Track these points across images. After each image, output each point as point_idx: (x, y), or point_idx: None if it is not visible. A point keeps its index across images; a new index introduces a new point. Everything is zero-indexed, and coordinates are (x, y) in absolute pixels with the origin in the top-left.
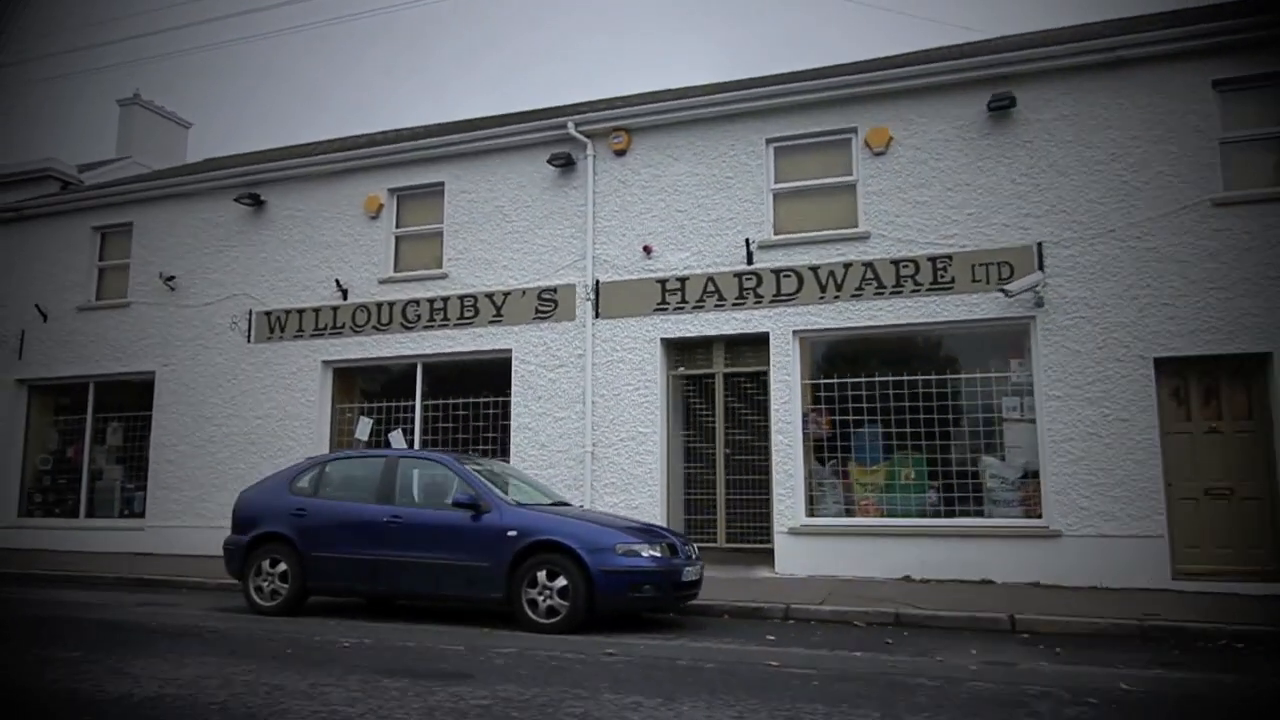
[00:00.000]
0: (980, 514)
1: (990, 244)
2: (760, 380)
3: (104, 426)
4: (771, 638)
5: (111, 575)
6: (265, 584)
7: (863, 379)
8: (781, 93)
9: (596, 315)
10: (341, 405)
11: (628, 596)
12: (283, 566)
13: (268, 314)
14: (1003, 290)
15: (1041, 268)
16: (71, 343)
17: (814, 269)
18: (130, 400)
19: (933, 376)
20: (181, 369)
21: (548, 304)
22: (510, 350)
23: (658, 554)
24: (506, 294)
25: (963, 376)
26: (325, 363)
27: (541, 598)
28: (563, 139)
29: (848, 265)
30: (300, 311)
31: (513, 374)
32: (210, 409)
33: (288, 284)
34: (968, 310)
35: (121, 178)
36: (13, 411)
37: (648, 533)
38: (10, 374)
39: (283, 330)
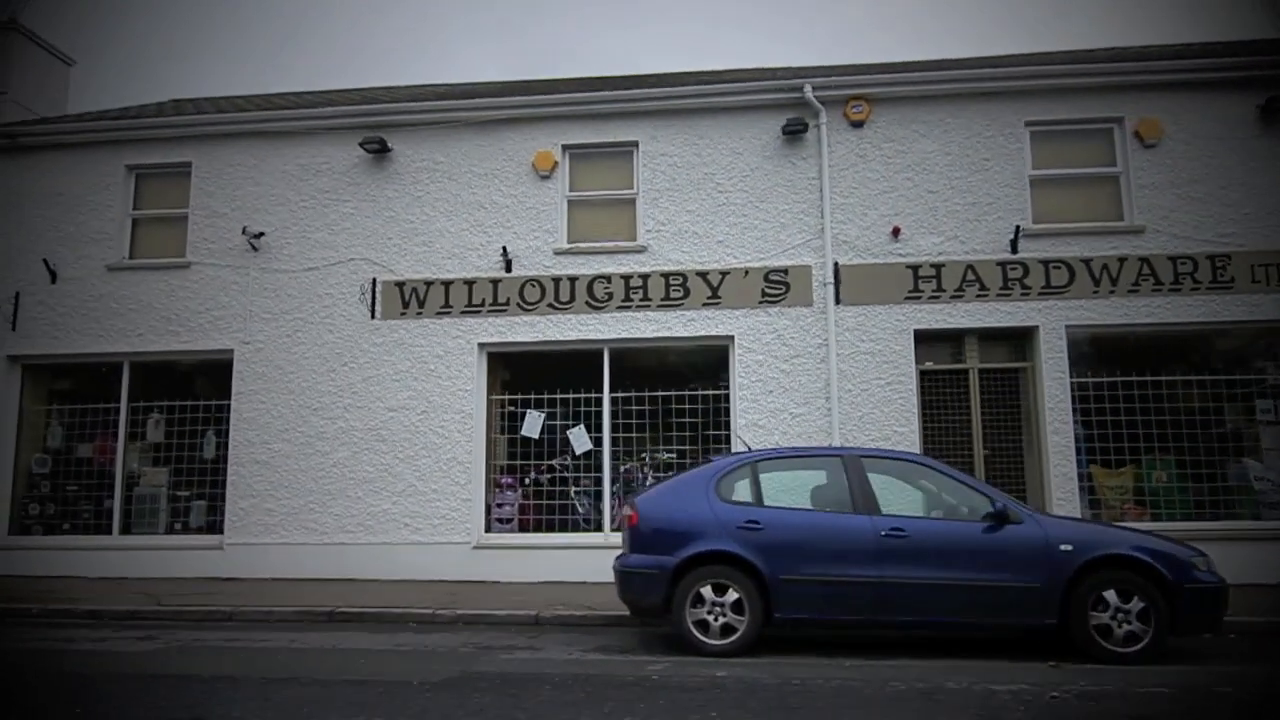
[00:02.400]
0: (1255, 516)
1: (1269, 244)
2: (1015, 377)
3: (142, 419)
4: None
5: (256, 608)
6: (711, 617)
7: (1133, 377)
8: (1041, 74)
9: (838, 301)
10: (497, 396)
11: (1210, 617)
12: (733, 594)
13: (399, 285)
14: None
15: None
16: (97, 311)
17: (1085, 261)
18: (183, 385)
19: (1193, 377)
20: (273, 348)
21: (777, 286)
22: (731, 337)
23: (1214, 569)
24: (724, 273)
25: (1223, 378)
26: (482, 345)
27: (1115, 622)
28: (794, 103)
29: (1122, 259)
30: (447, 284)
31: (735, 364)
32: (319, 398)
33: (426, 250)
34: (1249, 310)
35: (164, 103)
36: (3, 398)
37: (1179, 545)
38: (0, 348)
39: (421, 305)
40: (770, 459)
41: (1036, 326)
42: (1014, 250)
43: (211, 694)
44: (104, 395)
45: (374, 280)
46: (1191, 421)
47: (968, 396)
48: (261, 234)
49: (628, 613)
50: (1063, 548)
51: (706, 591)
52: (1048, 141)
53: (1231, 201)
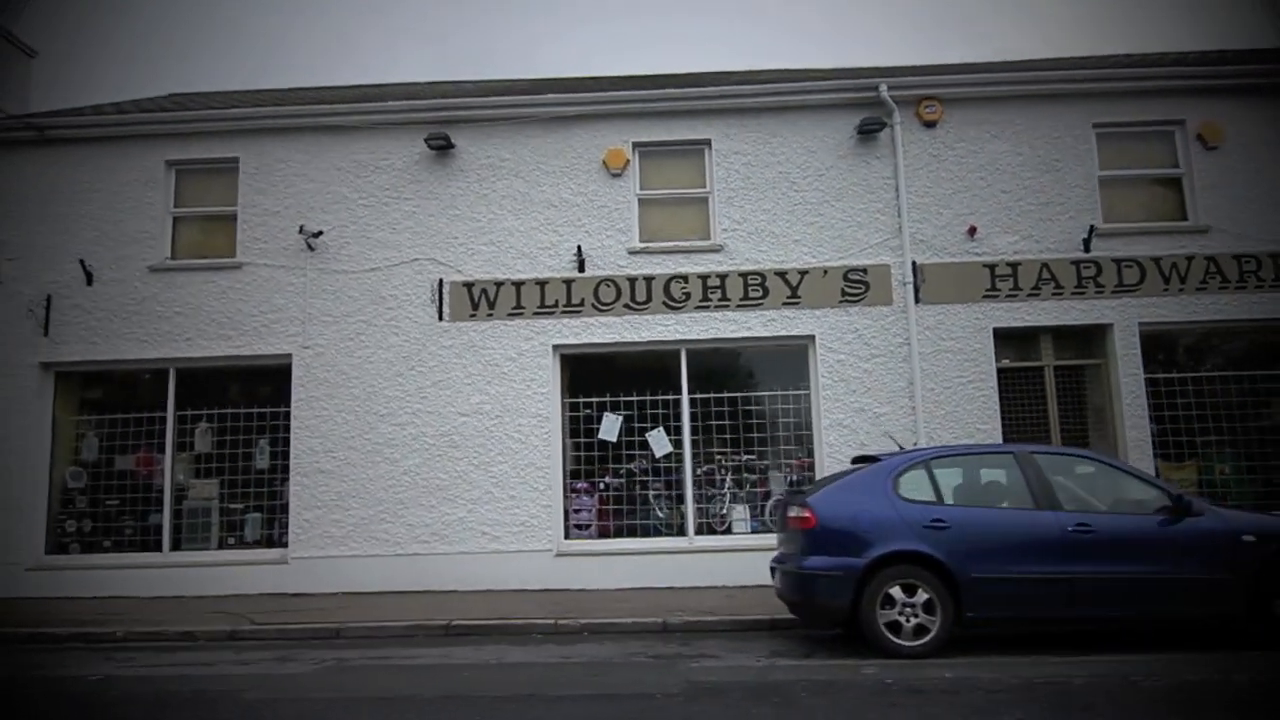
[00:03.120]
0: None
1: None
2: (1088, 373)
3: (190, 428)
4: None
5: (363, 624)
6: (903, 618)
7: (1203, 373)
8: (1107, 77)
9: (918, 300)
10: (570, 399)
11: None
12: (923, 595)
13: (468, 285)
14: None
15: None
16: (140, 314)
17: (1155, 260)
18: (233, 392)
19: (1258, 372)
20: (335, 352)
21: (856, 286)
22: (812, 336)
23: None
24: (804, 273)
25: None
26: (556, 347)
27: None
28: (869, 103)
29: (1189, 258)
30: (518, 284)
31: (816, 363)
32: (386, 404)
33: (495, 249)
34: None
35: (206, 94)
36: (36, 408)
37: None
38: (30, 356)
39: (492, 306)
40: (943, 456)
41: (1111, 324)
42: (1087, 249)
43: (477, 714)
44: (144, 404)
45: (440, 281)
46: (1255, 415)
47: (1044, 393)
48: (320, 233)
49: (755, 616)
50: (1245, 538)
51: (896, 592)
52: (1114, 143)
53: None
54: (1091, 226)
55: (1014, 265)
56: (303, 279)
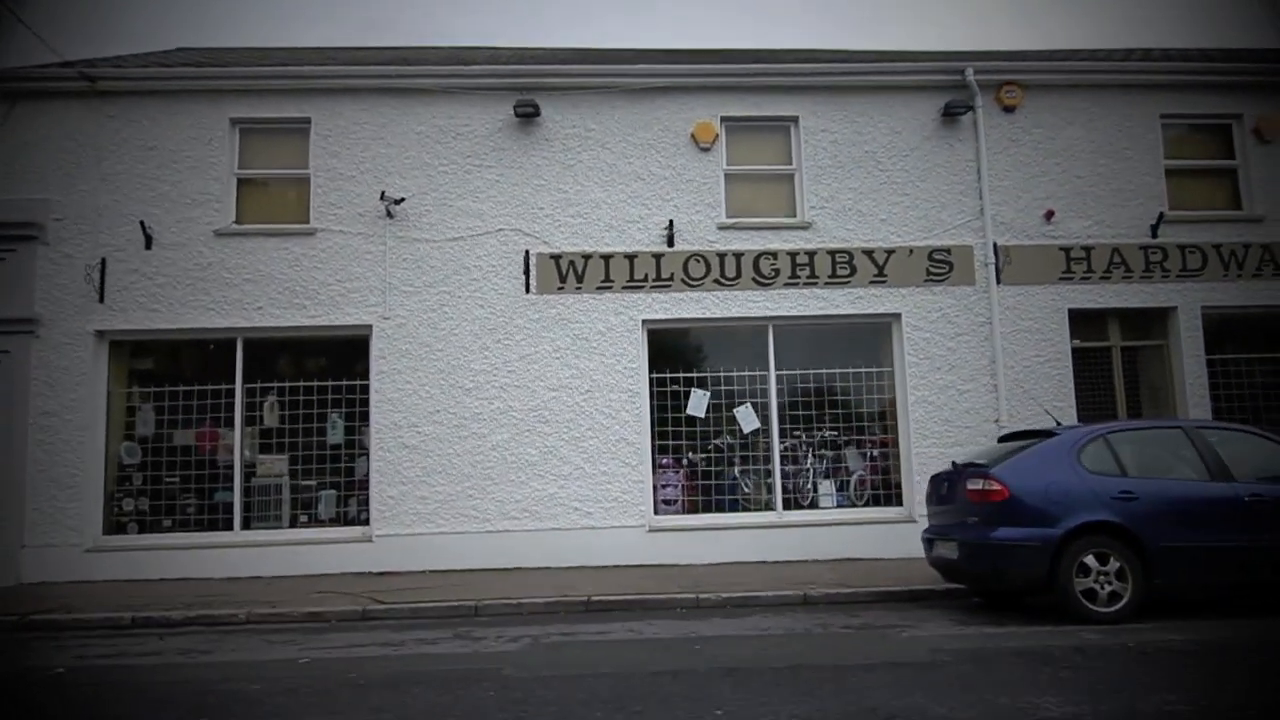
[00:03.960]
0: None
1: None
2: (1148, 354)
3: (259, 401)
4: None
5: (501, 601)
6: (1098, 585)
7: (1255, 356)
8: (1174, 70)
9: (999, 280)
10: (655, 374)
11: None
12: (1115, 563)
13: (555, 258)
14: None
15: None
16: (205, 281)
17: (1216, 247)
18: (302, 364)
19: None
20: (417, 324)
21: (941, 266)
22: (898, 314)
23: None
24: (890, 251)
25: None
26: (645, 321)
27: None
28: (954, 85)
29: (1246, 246)
30: (607, 257)
31: (902, 341)
32: (472, 377)
33: (582, 221)
34: None
35: (270, 50)
36: (90, 379)
37: None
38: (83, 323)
39: (580, 279)
40: (1120, 431)
41: (1175, 307)
42: (1154, 235)
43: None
44: (207, 375)
45: (527, 252)
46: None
47: (1111, 373)
48: (402, 200)
49: (888, 588)
50: None
51: (1090, 561)
52: (1178, 133)
53: None
54: (1161, 213)
55: (1087, 249)
56: (381, 247)
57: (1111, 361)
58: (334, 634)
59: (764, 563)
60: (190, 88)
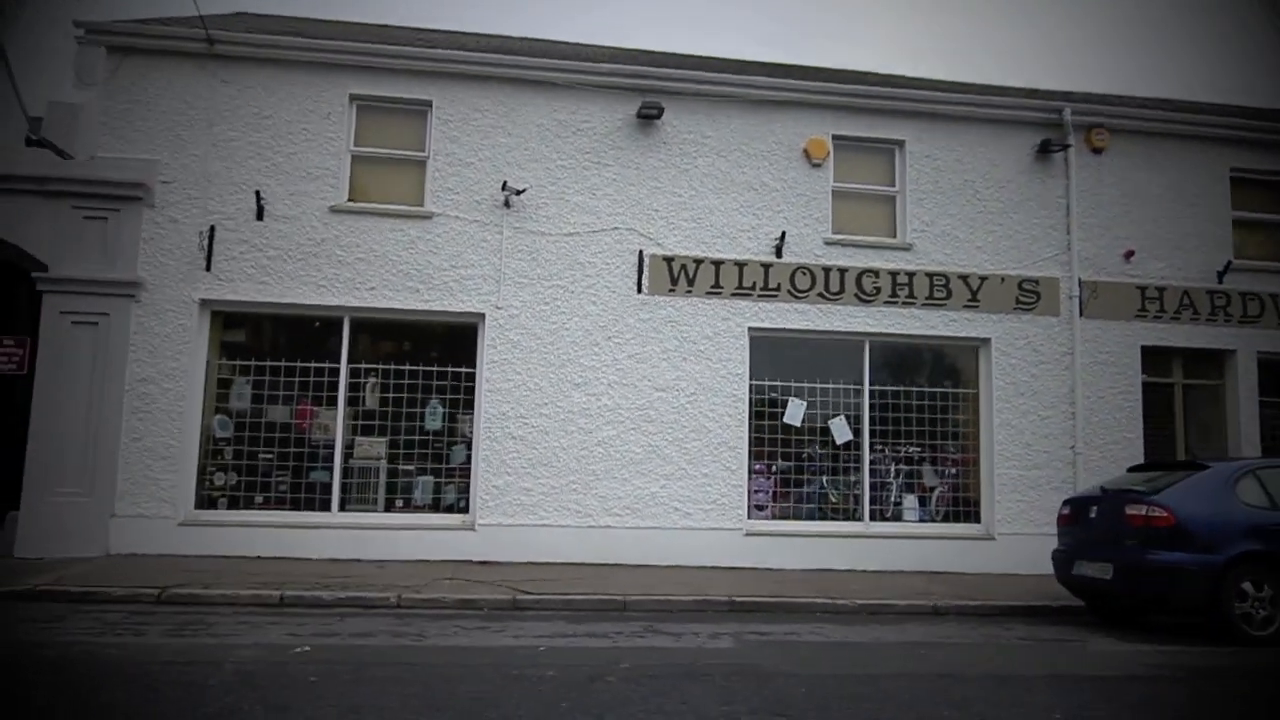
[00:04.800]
0: None
1: None
2: (1205, 392)
3: (363, 382)
4: None
5: (649, 597)
6: (1254, 610)
7: None
8: (1246, 126)
9: (1081, 313)
10: (754, 381)
11: None
12: (1268, 590)
13: (668, 260)
14: None
15: None
16: (318, 257)
17: (1273, 296)
18: (405, 347)
19: None
20: (529, 315)
21: (1029, 295)
22: (987, 339)
23: None
24: (983, 278)
25: None
26: (751, 329)
27: None
28: (1050, 124)
29: None
30: (718, 263)
31: (991, 365)
32: (582, 372)
33: (695, 226)
34: None
35: (390, 28)
36: (192, 348)
37: None
38: (190, 290)
39: (690, 283)
40: (1267, 468)
41: (1235, 350)
42: (1220, 281)
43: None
44: (309, 352)
45: (640, 252)
46: None
47: (1172, 408)
48: (523, 191)
49: (1008, 603)
50: None
51: (1247, 587)
52: (1245, 187)
53: None
54: (1229, 261)
55: (1160, 289)
56: (497, 236)
57: (1174, 398)
58: (512, 623)
59: (853, 571)
60: (311, 60)
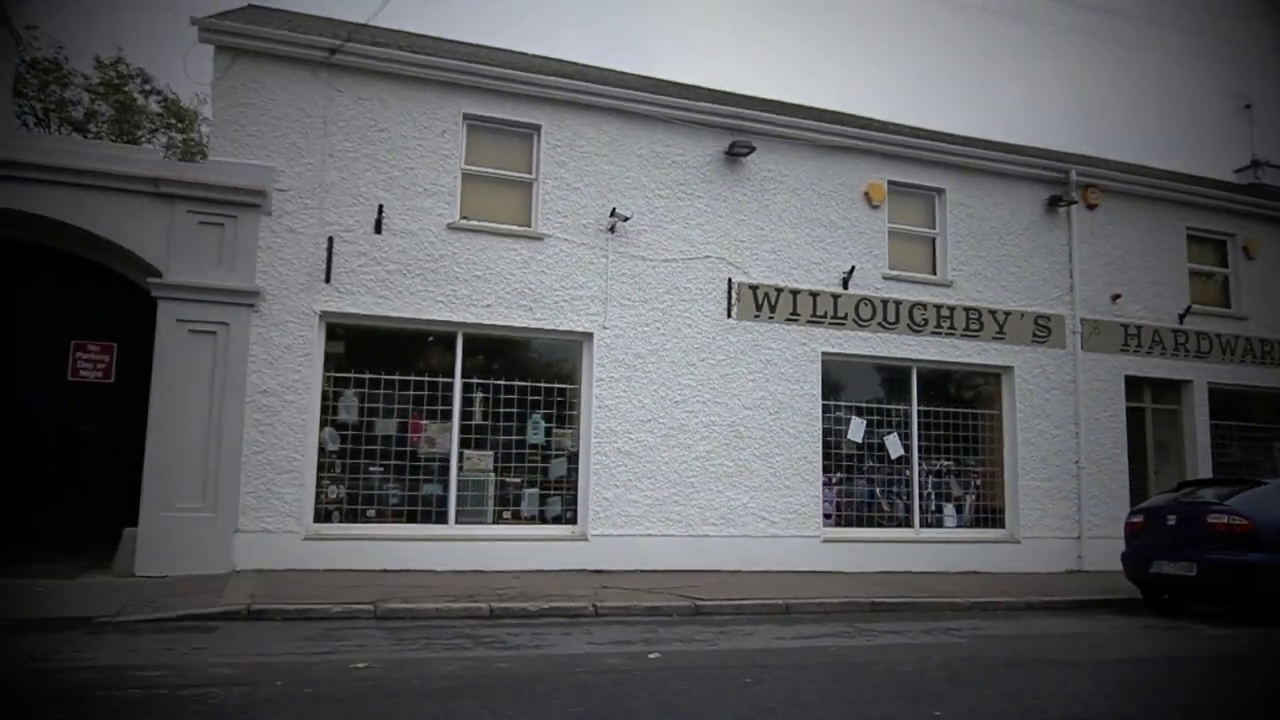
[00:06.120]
0: None
1: None
2: (1169, 417)
3: (475, 397)
4: None
5: (808, 600)
6: None
7: (1245, 424)
8: (1195, 192)
9: (1082, 347)
10: (824, 401)
11: None
12: None
13: (753, 288)
14: None
15: None
16: (435, 273)
17: (1218, 336)
18: (511, 364)
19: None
20: (633, 336)
21: (1043, 330)
22: (1011, 367)
23: None
24: (1008, 314)
25: None
26: (824, 354)
27: None
28: (1058, 180)
29: (1235, 338)
30: (795, 293)
31: (1014, 390)
32: (680, 391)
33: (776, 258)
34: None
35: (501, 51)
36: (313, 359)
37: None
38: (311, 301)
39: (773, 310)
40: None
41: (1191, 380)
42: (1180, 322)
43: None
44: (421, 366)
45: (730, 280)
46: None
47: (1144, 429)
48: (629, 217)
49: (1079, 597)
50: None
51: None
52: (1196, 244)
53: None
54: (1188, 306)
55: (1139, 328)
56: (604, 259)
57: (1145, 420)
58: (731, 627)
59: (909, 572)
60: (427, 76)
